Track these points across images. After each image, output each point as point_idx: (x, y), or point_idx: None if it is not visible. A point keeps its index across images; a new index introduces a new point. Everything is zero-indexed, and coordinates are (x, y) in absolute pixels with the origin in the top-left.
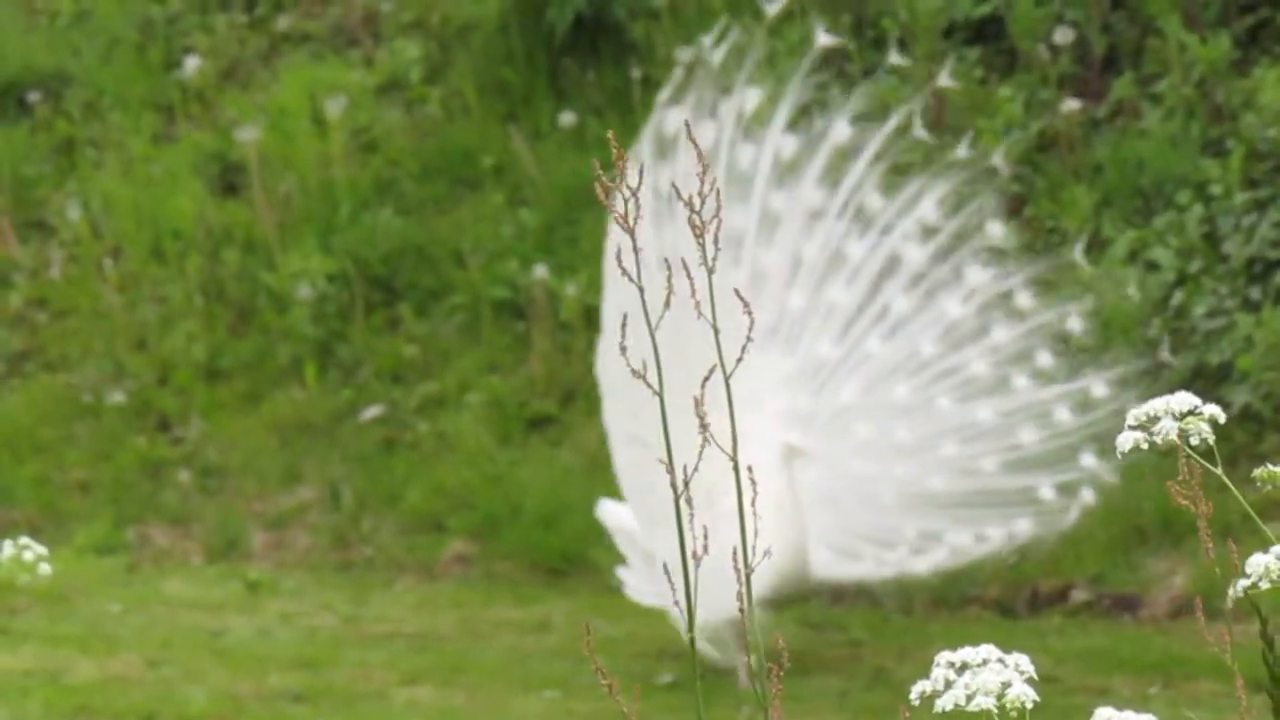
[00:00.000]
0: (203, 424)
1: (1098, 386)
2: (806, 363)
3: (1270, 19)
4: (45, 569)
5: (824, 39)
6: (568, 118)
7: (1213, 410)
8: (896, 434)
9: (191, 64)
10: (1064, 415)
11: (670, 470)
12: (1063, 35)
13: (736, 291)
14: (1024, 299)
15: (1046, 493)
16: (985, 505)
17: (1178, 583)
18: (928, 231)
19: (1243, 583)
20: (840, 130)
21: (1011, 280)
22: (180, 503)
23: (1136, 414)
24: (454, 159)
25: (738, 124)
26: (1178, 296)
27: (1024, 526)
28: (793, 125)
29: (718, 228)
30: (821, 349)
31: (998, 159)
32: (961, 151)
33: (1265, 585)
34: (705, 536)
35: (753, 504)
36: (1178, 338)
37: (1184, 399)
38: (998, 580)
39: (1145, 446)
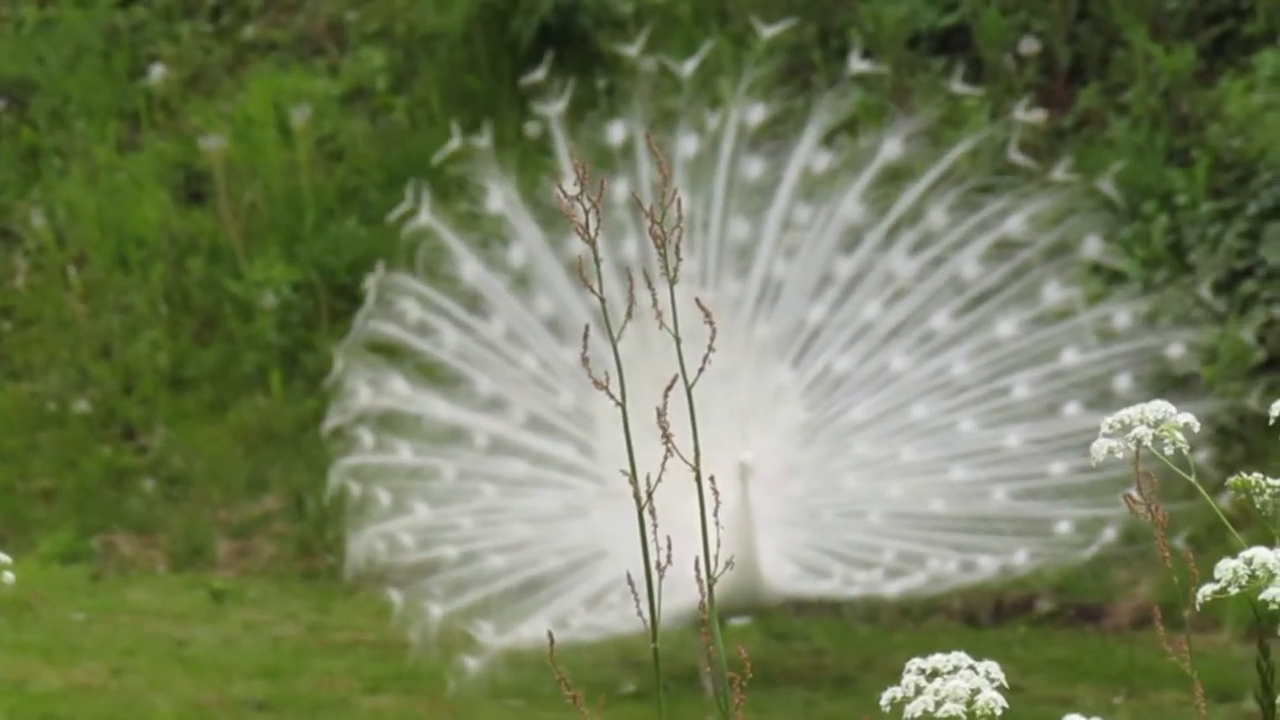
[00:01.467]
0: (167, 432)
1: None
2: (815, 376)
3: (1235, 30)
4: (8, 577)
5: (858, 65)
6: (533, 128)
7: (1187, 418)
8: (903, 454)
9: (157, 72)
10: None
11: (633, 481)
12: (1028, 45)
13: (698, 300)
14: (1122, 319)
15: (1063, 526)
16: (985, 533)
17: (1141, 592)
18: (997, 251)
19: (1210, 588)
20: (891, 148)
21: (1111, 304)
22: (145, 511)
23: (1110, 421)
24: (418, 168)
25: (740, 136)
26: (1143, 306)
27: (1023, 558)
28: (754, 141)
29: (679, 238)
30: (840, 364)
31: (1105, 184)
32: (1060, 173)
33: (1234, 590)
34: (669, 547)
35: (714, 514)
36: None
37: (1158, 406)
38: (962, 591)
39: (1120, 455)
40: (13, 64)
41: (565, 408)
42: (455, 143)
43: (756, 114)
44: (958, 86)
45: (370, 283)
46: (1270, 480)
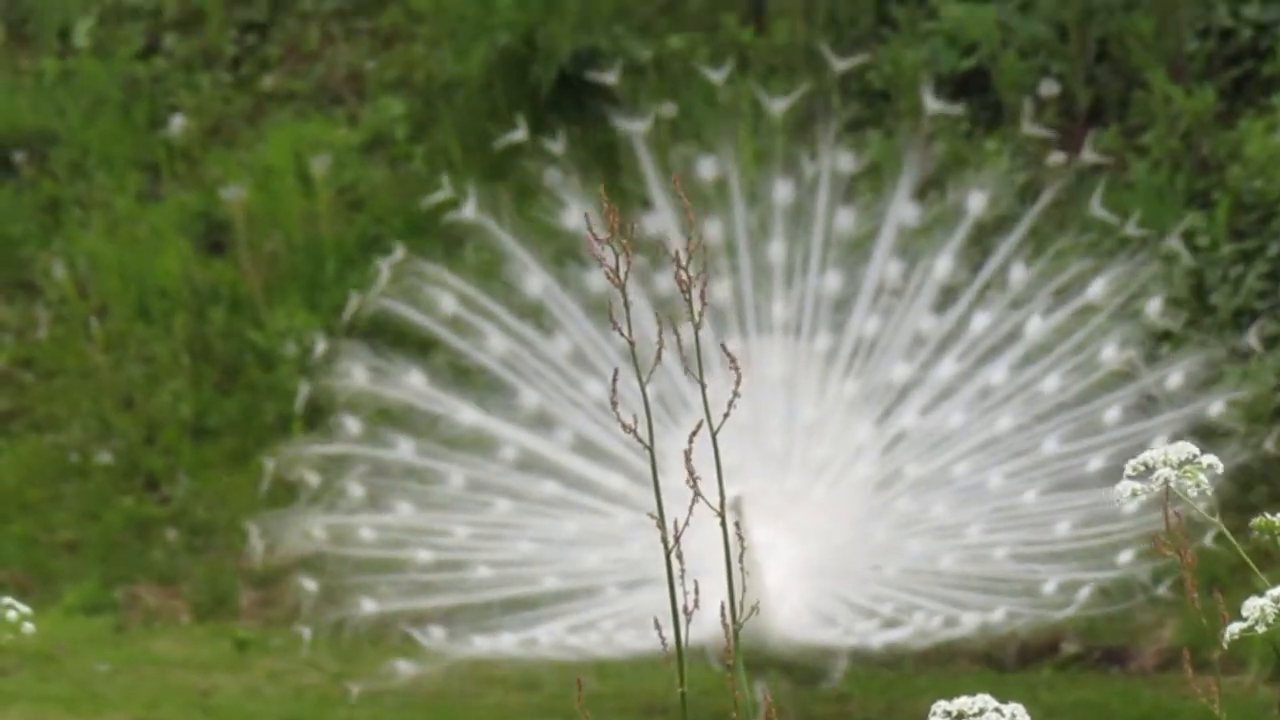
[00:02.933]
0: (190, 482)
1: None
2: (894, 435)
3: (1255, 71)
4: (29, 628)
5: (933, 105)
6: (552, 175)
7: (1210, 459)
8: (934, 509)
9: (177, 123)
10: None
11: (661, 525)
12: (1047, 88)
13: (723, 347)
14: (1175, 379)
15: (1049, 586)
16: (978, 590)
17: (1166, 635)
18: (1057, 302)
19: (1238, 626)
20: (975, 201)
21: (1166, 368)
22: (168, 561)
23: (1134, 463)
24: (439, 216)
25: (833, 186)
26: (1165, 348)
27: (1001, 615)
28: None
29: (704, 283)
30: (909, 420)
31: (1174, 240)
32: (1132, 229)
33: (1261, 629)
34: (696, 591)
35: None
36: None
37: (1182, 448)
38: (985, 633)
39: (1143, 496)
40: (33, 116)
41: (628, 438)
42: (444, 192)
43: (846, 162)
44: (1030, 129)
45: (386, 264)
46: None
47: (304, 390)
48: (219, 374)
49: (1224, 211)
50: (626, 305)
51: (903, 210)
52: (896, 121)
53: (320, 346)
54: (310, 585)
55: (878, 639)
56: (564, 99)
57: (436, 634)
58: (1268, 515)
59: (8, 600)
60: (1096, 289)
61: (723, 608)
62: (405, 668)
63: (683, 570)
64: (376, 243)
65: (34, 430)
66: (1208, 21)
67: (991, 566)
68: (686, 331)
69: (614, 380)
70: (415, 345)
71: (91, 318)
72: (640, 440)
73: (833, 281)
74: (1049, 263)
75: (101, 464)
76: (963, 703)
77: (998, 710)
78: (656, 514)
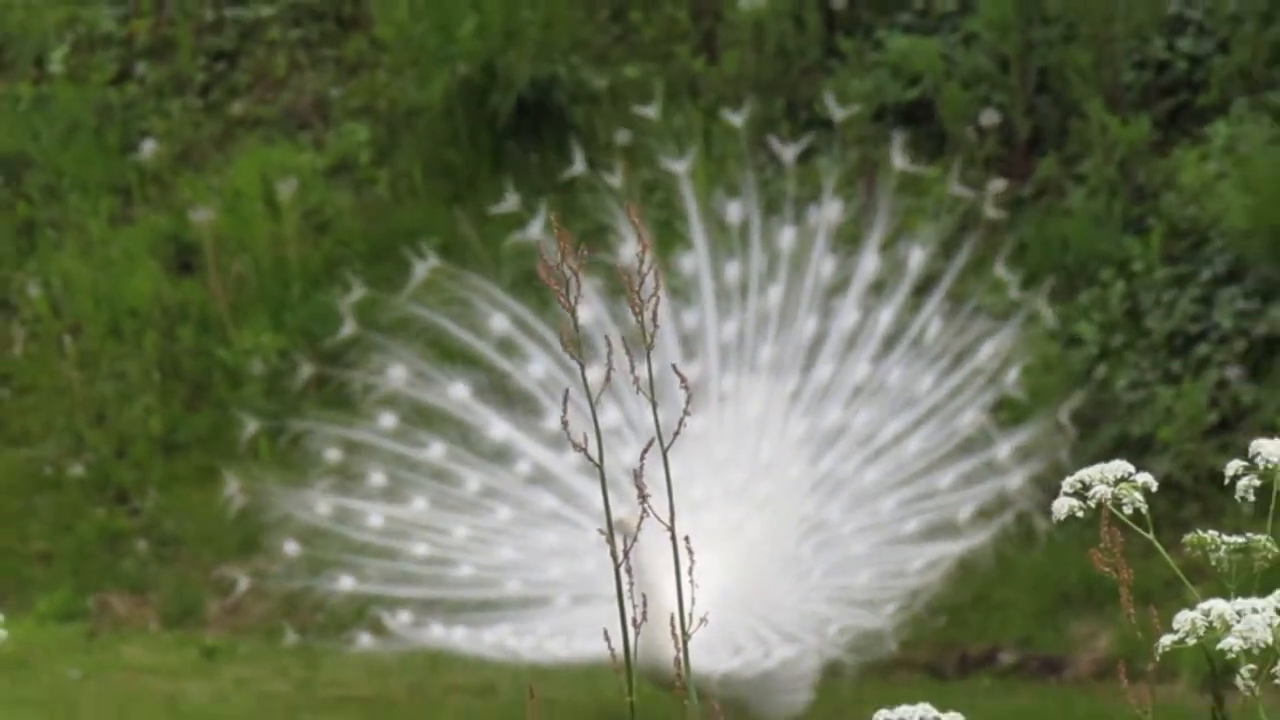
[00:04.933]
0: (160, 496)
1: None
2: (822, 474)
3: (1189, 102)
4: (2, 635)
5: (901, 163)
6: (511, 199)
7: (1145, 478)
8: (845, 527)
9: (148, 147)
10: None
11: (609, 540)
12: (989, 118)
13: (675, 368)
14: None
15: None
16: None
17: (1101, 645)
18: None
19: (1170, 638)
20: (916, 258)
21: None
22: (138, 571)
23: (1070, 481)
24: (401, 239)
25: (826, 235)
26: (1101, 370)
27: (834, 631)
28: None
29: (656, 305)
30: (837, 465)
31: (1040, 302)
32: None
33: (1192, 641)
34: (644, 604)
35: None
36: (1101, 409)
37: (1117, 466)
38: (927, 643)
39: (1080, 514)
40: (8, 140)
41: (627, 465)
42: (427, 266)
43: (834, 211)
44: (904, 164)
45: (421, 268)
46: (1225, 538)
47: (251, 426)
48: (188, 391)
49: (1158, 237)
50: (577, 328)
51: (867, 262)
52: (845, 150)
53: (306, 371)
54: (294, 550)
55: (753, 665)
56: (522, 126)
57: (403, 619)
58: (1199, 531)
59: None
60: (985, 351)
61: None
62: (366, 640)
63: (632, 584)
64: (340, 264)
65: (9, 444)
66: (1144, 54)
67: (860, 581)
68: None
69: (564, 401)
70: (445, 352)
71: (65, 335)
72: (590, 458)
73: (775, 295)
74: (961, 321)
75: (74, 477)
76: (904, 711)
77: (938, 718)
78: (607, 531)
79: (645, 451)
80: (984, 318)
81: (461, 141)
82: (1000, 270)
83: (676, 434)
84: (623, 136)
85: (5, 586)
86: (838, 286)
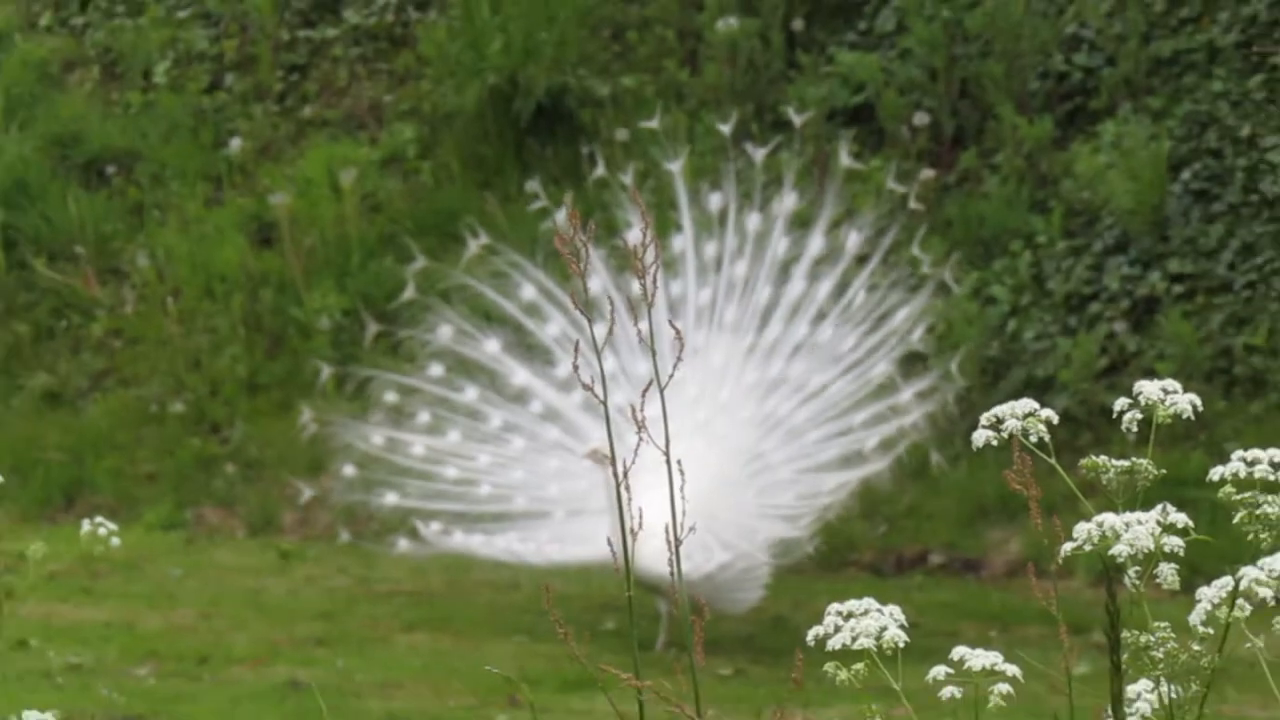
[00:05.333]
0: (245, 427)
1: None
2: (765, 415)
3: (1084, 105)
4: (116, 542)
5: (847, 161)
6: (532, 185)
7: (1048, 413)
8: (777, 455)
9: (235, 144)
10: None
11: (611, 461)
12: (920, 119)
13: (671, 323)
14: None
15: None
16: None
17: (1013, 549)
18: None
19: (1070, 545)
20: (853, 241)
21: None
22: (227, 489)
23: (987, 416)
24: (442, 218)
25: (785, 220)
26: (1012, 324)
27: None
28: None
29: (657, 270)
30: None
31: (947, 275)
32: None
33: (1088, 548)
34: (640, 516)
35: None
36: (1011, 356)
37: (1025, 404)
38: (870, 546)
39: (995, 443)
40: (121, 137)
41: (620, 404)
42: (478, 243)
43: (792, 200)
44: (849, 161)
45: (474, 246)
46: (1113, 462)
47: (325, 371)
48: (268, 342)
49: (1058, 216)
50: (586, 290)
51: (814, 242)
52: (803, 146)
53: (372, 329)
54: (351, 471)
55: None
56: (540, 126)
57: (434, 527)
58: (1093, 456)
59: (100, 520)
60: (900, 316)
61: (609, 538)
62: (404, 544)
63: (629, 499)
64: (392, 239)
65: (122, 386)
66: (1046, 66)
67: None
68: (656, 317)
69: (575, 351)
70: (481, 314)
71: (168, 297)
72: (596, 396)
73: (740, 269)
74: (882, 293)
75: (175, 412)
76: (852, 604)
77: (879, 610)
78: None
79: (645, 391)
80: (901, 289)
81: (491, 138)
82: (915, 250)
83: (671, 377)
84: (622, 134)
85: (118, 502)
86: (789, 262)
